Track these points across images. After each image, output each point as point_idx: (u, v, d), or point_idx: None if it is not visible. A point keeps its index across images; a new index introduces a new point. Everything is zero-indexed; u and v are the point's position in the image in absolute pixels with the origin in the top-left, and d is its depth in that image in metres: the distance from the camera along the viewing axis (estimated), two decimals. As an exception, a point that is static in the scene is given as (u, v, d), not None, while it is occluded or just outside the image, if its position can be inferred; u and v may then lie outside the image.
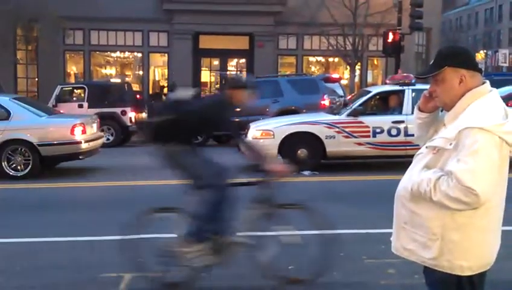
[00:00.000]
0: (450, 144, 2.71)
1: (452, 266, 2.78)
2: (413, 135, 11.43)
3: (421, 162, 2.86)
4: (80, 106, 18.07)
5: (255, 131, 12.13)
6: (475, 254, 2.78)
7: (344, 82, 23.47)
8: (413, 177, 2.83)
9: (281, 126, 12.05)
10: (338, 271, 5.63)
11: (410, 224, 2.87)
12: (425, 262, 2.86)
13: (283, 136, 11.79)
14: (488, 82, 2.87)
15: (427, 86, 10.76)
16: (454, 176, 2.61)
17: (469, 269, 2.78)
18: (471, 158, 2.59)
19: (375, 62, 27.21)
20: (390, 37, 20.63)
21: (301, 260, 5.96)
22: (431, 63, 2.96)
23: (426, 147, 2.90)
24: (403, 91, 12.04)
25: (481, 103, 2.76)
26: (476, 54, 55.27)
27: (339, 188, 10.28)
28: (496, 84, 3.02)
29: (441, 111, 3.03)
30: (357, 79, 25.19)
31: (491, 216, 2.78)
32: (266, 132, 11.99)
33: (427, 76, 2.96)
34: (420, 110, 3.06)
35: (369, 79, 26.71)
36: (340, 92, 18.82)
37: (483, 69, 46.18)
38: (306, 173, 11.64)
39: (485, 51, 61.38)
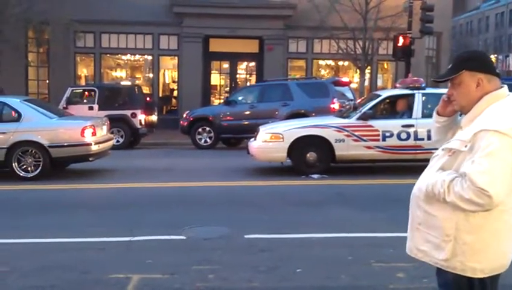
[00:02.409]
0: (466, 146, 2.74)
1: (464, 268, 2.79)
2: (423, 139, 11.51)
3: (436, 164, 2.89)
4: (90, 108, 18.13)
5: (264, 134, 12.11)
6: (488, 257, 2.79)
7: (354, 86, 23.38)
8: (428, 178, 2.86)
9: (290, 129, 12.04)
10: (346, 275, 5.61)
11: (424, 225, 2.90)
12: (438, 263, 2.87)
13: (292, 140, 11.77)
14: (505, 86, 2.90)
15: (437, 90, 10.78)
16: (468, 178, 2.63)
17: (481, 272, 2.79)
18: (486, 160, 2.62)
19: (385, 66, 27.10)
20: (401, 41, 20.57)
21: (308, 263, 5.96)
22: (449, 66, 2.98)
23: (442, 149, 2.92)
24: (413, 95, 12.01)
25: (498, 106, 2.79)
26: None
27: (348, 192, 10.26)
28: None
29: (460, 115, 3.06)
30: (366, 83, 25.09)
31: (505, 219, 2.78)
32: (276, 135, 11.98)
33: (444, 79, 2.99)
34: (439, 114, 3.09)
35: (379, 83, 26.61)
36: (350, 95, 18.75)
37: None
38: (315, 176, 11.64)
39: (495, 55, 61.09)
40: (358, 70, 24.07)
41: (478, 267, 2.78)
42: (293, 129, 12.03)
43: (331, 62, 26.53)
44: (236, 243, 6.84)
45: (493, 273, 2.83)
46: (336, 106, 16.91)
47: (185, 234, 7.21)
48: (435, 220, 2.83)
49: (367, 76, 24.81)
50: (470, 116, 2.85)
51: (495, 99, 2.82)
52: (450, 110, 3.02)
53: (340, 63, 26.27)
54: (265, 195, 10.09)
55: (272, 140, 11.97)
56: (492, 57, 57.63)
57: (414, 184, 3.03)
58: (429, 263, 2.92)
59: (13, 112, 11.85)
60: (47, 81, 25.09)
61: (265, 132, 12.20)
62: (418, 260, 3.00)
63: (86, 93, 19.57)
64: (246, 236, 7.07)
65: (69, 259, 6.21)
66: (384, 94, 12.81)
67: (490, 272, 2.81)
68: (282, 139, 11.86)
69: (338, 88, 18.31)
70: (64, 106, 17.74)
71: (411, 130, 11.72)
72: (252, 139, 12.56)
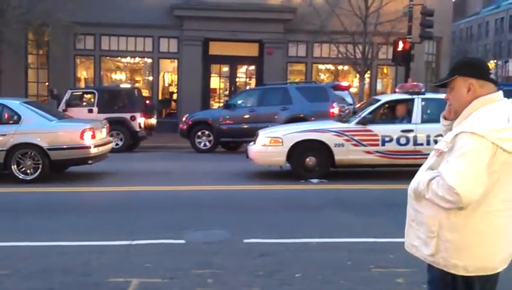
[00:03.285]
0: (447, 147, 2.87)
1: (447, 264, 2.89)
2: (422, 144, 11.54)
3: (426, 164, 3.04)
4: (90, 111, 18.12)
5: (263, 138, 12.12)
6: (470, 256, 2.86)
7: (353, 90, 23.44)
8: (417, 177, 3.00)
9: (289, 133, 12.05)
10: (345, 280, 5.62)
11: (415, 222, 3.03)
12: (426, 259, 2.99)
13: (292, 144, 11.78)
14: (500, 92, 2.99)
15: (436, 96, 10.82)
16: (441, 176, 2.77)
17: (464, 269, 2.87)
18: (458, 159, 2.75)
19: (385, 70, 27.14)
20: (400, 45, 20.61)
21: (307, 268, 5.97)
22: (448, 72, 3.13)
23: (434, 150, 3.04)
24: (412, 100, 12.02)
25: (485, 110, 2.89)
26: (486, 64, 55.05)
27: (347, 197, 10.27)
28: (505, 95, 3.07)
29: None
30: (366, 87, 25.15)
31: (490, 220, 2.84)
32: (275, 139, 11.98)
33: (438, 84, 3.17)
34: (445, 118, 3.20)
35: (379, 87, 26.64)
36: (350, 100, 18.80)
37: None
38: (314, 180, 11.64)
39: (495, 61, 61.20)
40: (357, 75, 24.11)
41: (460, 264, 2.86)
42: (293, 133, 12.03)
43: (330, 66, 26.55)
44: (235, 247, 6.84)
45: (478, 273, 2.88)
46: (335, 110, 16.93)
47: (184, 238, 7.21)
48: (422, 217, 2.96)
49: (366, 80, 24.83)
50: (460, 119, 2.97)
51: (483, 103, 2.92)
52: (453, 114, 3.12)
53: (340, 67, 26.29)
54: (265, 199, 10.09)
55: (271, 144, 11.98)
56: (492, 63, 57.75)
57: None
58: (420, 258, 3.02)
59: (11, 114, 11.85)
60: (47, 83, 25.09)
61: (264, 136, 12.21)
62: (415, 257, 3.08)
63: (86, 96, 19.57)
64: (245, 240, 7.07)
65: (68, 262, 6.20)
66: (384, 99, 12.81)
67: (474, 272, 2.87)
68: (281, 144, 11.87)
69: (337, 92, 18.35)
70: (64, 108, 17.73)
71: (410, 135, 11.74)
72: (252, 143, 12.57)
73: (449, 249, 2.86)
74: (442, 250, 2.88)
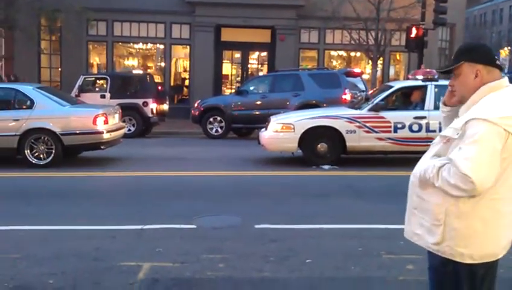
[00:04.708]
0: (457, 134, 2.83)
1: (453, 253, 2.87)
2: (435, 131, 11.44)
3: (432, 151, 2.99)
4: (102, 97, 18.20)
5: (275, 124, 12.11)
6: (477, 243, 2.84)
7: (366, 77, 23.34)
8: (422, 164, 2.97)
9: (301, 120, 12.03)
10: (356, 266, 5.62)
11: (419, 209, 2.99)
12: (430, 247, 2.96)
13: (303, 130, 11.77)
14: (506, 78, 2.98)
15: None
16: (453, 163, 2.72)
17: (470, 257, 2.85)
18: (471, 147, 2.70)
19: (398, 57, 26.98)
20: (414, 32, 20.42)
21: (318, 254, 5.98)
22: (452, 58, 3.07)
23: (439, 137, 3.01)
24: (425, 87, 11.95)
25: (494, 97, 2.86)
26: (500, 51, 54.66)
27: (359, 183, 10.25)
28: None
29: None
30: (379, 74, 25.01)
31: (497, 208, 2.83)
32: (287, 126, 11.97)
33: (445, 70, 3.10)
34: (445, 104, 3.17)
35: (391, 74, 26.53)
36: (362, 86, 18.72)
37: (507, 66, 45.68)
38: (326, 167, 11.64)
39: (509, 47, 60.56)
40: (370, 61, 23.98)
41: (466, 252, 2.84)
42: (304, 120, 12.01)
43: (343, 53, 26.44)
44: (246, 233, 6.86)
45: (483, 260, 2.87)
46: (347, 96, 16.87)
47: (195, 223, 7.24)
48: (427, 205, 2.93)
49: (379, 67, 24.69)
50: (467, 105, 2.93)
51: (491, 89, 2.89)
52: (455, 100, 3.09)
53: (352, 53, 26.16)
54: (276, 185, 10.11)
55: (282, 130, 11.97)
56: (506, 50, 57.19)
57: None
58: (422, 246, 3.00)
59: (24, 99, 11.93)
60: (59, 69, 25.19)
61: (276, 122, 12.20)
62: (415, 244, 3.06)
63: (98, 81, 19.64)
64: (257, 226, 7.10)
65: (81, 246, 6.25)
66: (397, 85, 12.74)
67: (480, 259, 2.86)
68: (293, 130, 11.86)
69: (350, 79, 18.28)
70: (77, 93, 17.82)
71: (423, 121, 11.69)
72: (263, 129, 12.56)
73: (455, 238, 2.84)
74: (448, 238, 2.85)
